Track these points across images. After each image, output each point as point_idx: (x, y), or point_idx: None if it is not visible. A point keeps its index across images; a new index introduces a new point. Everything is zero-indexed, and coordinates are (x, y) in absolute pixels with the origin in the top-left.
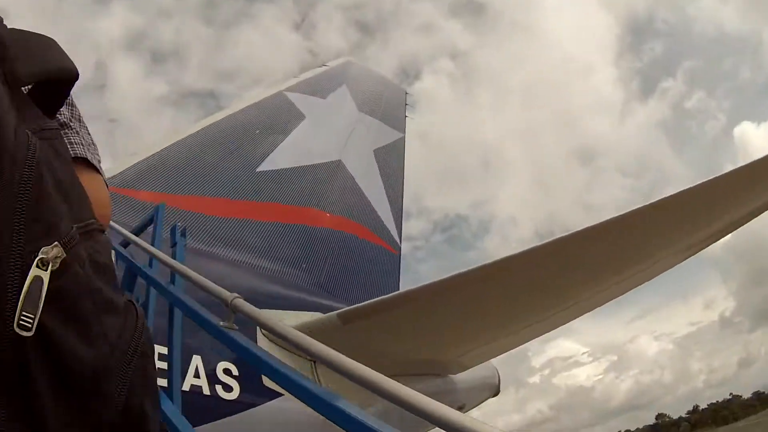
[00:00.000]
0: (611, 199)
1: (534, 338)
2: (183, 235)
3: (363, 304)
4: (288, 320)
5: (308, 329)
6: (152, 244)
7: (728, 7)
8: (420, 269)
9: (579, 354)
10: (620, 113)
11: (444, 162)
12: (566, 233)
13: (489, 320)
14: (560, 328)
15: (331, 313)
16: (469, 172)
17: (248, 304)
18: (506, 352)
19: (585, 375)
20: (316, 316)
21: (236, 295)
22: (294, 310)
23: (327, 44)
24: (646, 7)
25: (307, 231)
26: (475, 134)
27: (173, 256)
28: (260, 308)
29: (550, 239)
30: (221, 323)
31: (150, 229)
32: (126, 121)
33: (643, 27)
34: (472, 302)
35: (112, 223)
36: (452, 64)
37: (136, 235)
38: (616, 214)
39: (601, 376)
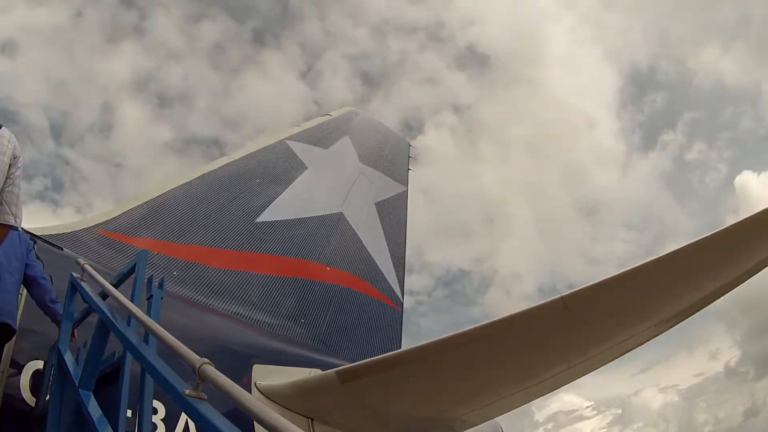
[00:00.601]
0: (615, 252)
1: (539, 397)
2: (160, 287)
3: (363, 362)
4: (285, 377)
5: (306, 388)
6: (132, 295)
7: (727, 60)
8: (422, 323)
9: (583, 408)
10: (623, 165)
11: (447, 216)
12: (571, 290)
13: (493, 379)
14: None
15: (330, 371)
16: (471, 226)
17: (217, 372)
18: (511, 410)
19: (589, 429)
20: (315, 372)
21: (205, 360)
22: (292, 366)
23: (332, 94)
24: (647, 60)
25: (306, 284)
26: (478, 188)
27: (148, 310)
28: (258, 363)
29: (554, 297)
30: (186, 391)
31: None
32: (131, 166)
33: (644, 79)
34: (475, 360)
35: (91, 271)
36: (456, 117)
37: (119, 283)
38: (620, 269)
39: (605, 430)
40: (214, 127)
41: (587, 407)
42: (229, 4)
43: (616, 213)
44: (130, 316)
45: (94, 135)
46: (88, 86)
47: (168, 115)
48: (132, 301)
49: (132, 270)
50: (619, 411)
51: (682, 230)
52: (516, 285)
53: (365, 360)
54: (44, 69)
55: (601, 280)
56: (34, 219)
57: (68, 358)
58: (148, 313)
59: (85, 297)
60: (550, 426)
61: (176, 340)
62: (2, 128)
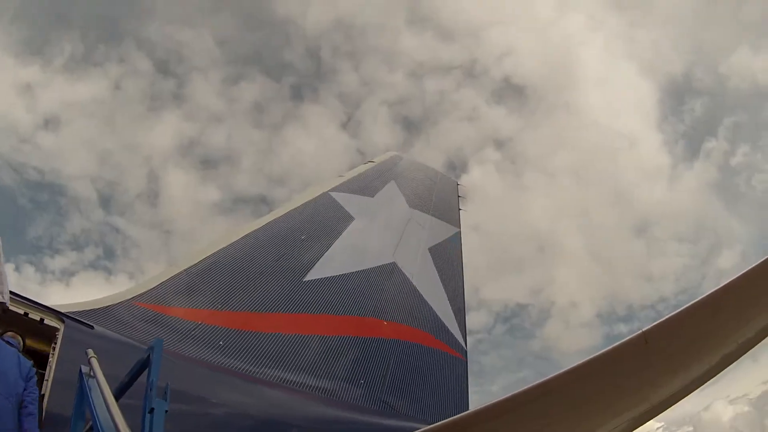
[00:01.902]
0: (671, 266)
1: None
2: (165, 397)
3: (430, 427)
4: None
5: None
6: (144, 399)
7: (759, 59)
8: (484, 361)
9: (654, 429)
10: (669, 178)
11: (498, 251)
12: (652, 324)
13: (574, 427)
14: None
15: None
16: (524, 259)
17: None
18: None
19: None
20: None
21: None
22: None
23: (374, 141)
24: (680, 69)
25: (362, 342)
26: (526, 219)
27: (149, 428)
28: None
29: (634, 333)
30: None
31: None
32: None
33: (680, 89)
34: (550, 413)
35: (97, 371)
36: (499, 151)
37: (132, 381)
38: (677, 283)
39: None
40: (261, 184)
41: (658, 428)
42: (265, 64)
43: (667, 228)
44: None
45: (142, 202)
46: (133, 155)
47: (214, 176)
48: (144, 409)
49: (146, 362)
50: (691, 428)
51: (736, 237)
52: (574, 313)
53: (433, 425)
54: (87, 141)
55: (679, 309)
56: (89, 287)
57: None
58: None
59: (88, 401)
60: None
61: None
62: None
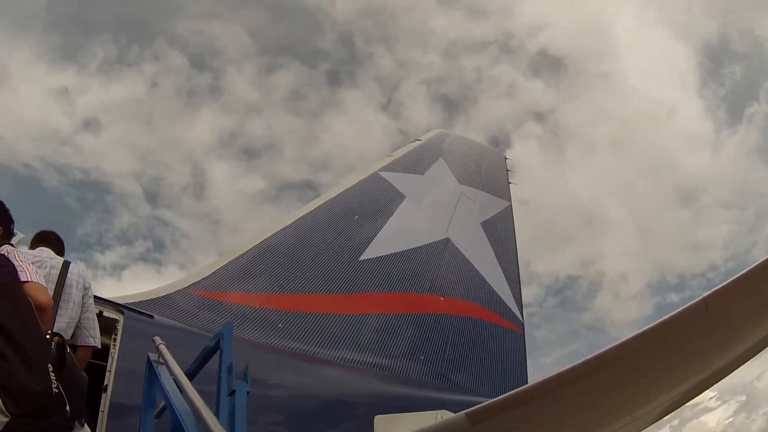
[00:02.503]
0: (718, 234)
1: (678, 408)
2: (245, 378)
3: (494, 400)
4: (410, 426)
5: None
6: (218, 384)
7: None
8: (537, 335)
9: (707, 399)
10: (713, 144)
11: (546, 224)
12: (712, 289)
13: (632, 398)
14: None
15: (459, 414)
16: (572, 231)
17: None
18: (653, 423)
19: (715, 420)
20: (441, 415)
21: None
22: (416, 410)
23: (415, 121)
24: (717, 32)
25: (421, 318)
26: (572, 191)
27: (230, 410)
28: (379, 413)
29: (695, 300)
30: None
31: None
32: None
33: (718, 52)
34: (611, 383)
35: (167, 356)
36: (540, 124)
37: (201, 365)
38: (726, 250)
39: (731, 419)
40: (305, 170)
41: (711, 398)
42: (299, 52)
43: (713, 195)
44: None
45: (188, 194)
46: (175, 149)
47: (257, 166)
48: (218, 393)
49: (216, 346)
50: (744, 398)
51: None
52: (625, 285)
53: (497, 398)
54: (129, 140)
55: (740, 273)
56: (139, 280)
57: None
58: (231, 418)
59: (159, 389)
60: (675, 422)
61: None
62: (71, 264)
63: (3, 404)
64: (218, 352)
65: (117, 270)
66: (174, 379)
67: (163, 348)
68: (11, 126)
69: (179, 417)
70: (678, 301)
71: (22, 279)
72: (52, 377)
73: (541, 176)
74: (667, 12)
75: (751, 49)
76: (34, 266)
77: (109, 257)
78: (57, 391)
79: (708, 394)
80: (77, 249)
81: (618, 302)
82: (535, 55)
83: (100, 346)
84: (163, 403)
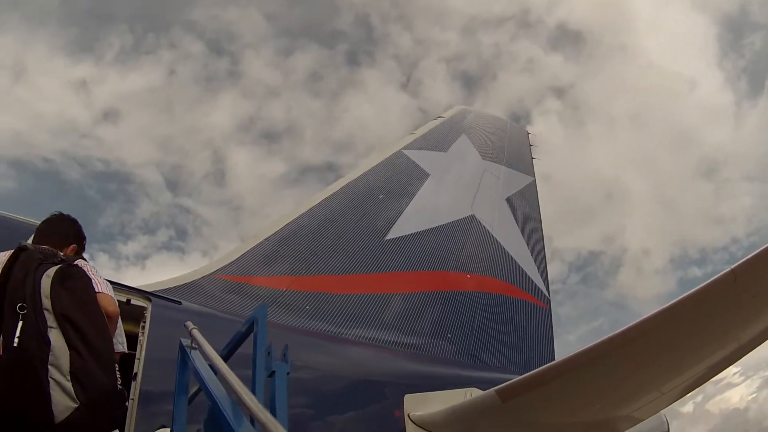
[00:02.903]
0: (741, 207)
1: (710, 378)
2: (285, 359)
3: (523, 377)
4: (439, 404)
5: (465, 413)
6: (254, 368)
7: None
8: (560, 312)
9: (731, 375)
10: (734, 116)
11: (568, 200)
12: (741, 260)
13: (661, 372)
14: None
15: (489, 391)
16: (594, 207)
17: None
18: (680, 398)
19: (738, 396)
20: (471, 393)
21: None
22: (445, 388)
23: (435, 99)
24: (736, 4)
25: (448, 296)
26: (593, 166)
27: (271, 393)
28: (409, 391)
29: (723, 271)
30: None
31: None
32: (250, 204)
33: (738, 23)
34: (640, 358)
35: (200, 340)
36: (561, 99)
37: (235, 348)
38: (750, 224)
39: (755, 395)
40: (326, 152)
41: (735, 374)
42: (317, 33)
43: (734, 168)
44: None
45: (209, 181)
46: (195, 137)
47: (277, 150)
48: (254, 375)
49: (250, 329)
50: (767, 373)
51: None
52: (647, 260)
53: (525, 375)
54: (148, 129)
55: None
56: (161, 269)
57: None
58: (272, 399)
59: (194, 373)
60: (699, 398)
61: None
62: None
63: (74, 392)
64: (252, 335)
65: (140, 259)
66: (209, 364)
67: (196, 332)
68: (30, 120)
69: (217, 401)
70: (701, 276)
71: (96, 290)
72: (117, 375)
73: (562, 152)
74: None
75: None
76: (103, 279)
77: (132, 247)
78: (120, 387)
79: (731, 369)
80: (100, 240)
81: (641, 277)
82: (553, 30)
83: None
84: (194, 389)
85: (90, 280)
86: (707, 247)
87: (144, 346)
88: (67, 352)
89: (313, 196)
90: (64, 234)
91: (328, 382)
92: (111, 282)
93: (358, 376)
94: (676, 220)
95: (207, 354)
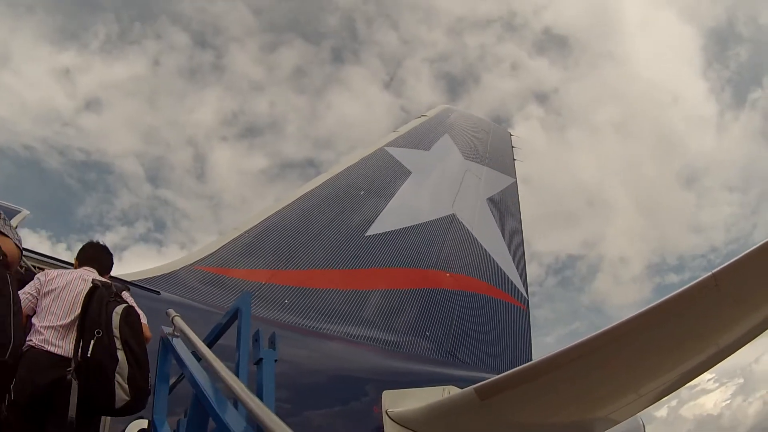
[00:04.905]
0: (720, 216)
1: (684, 385)
2: (272, 345)
3: (503, 375)
4: (418, 401)
5: (443, 410)
6: (237, 355)
7: None
8: (537, 315)
9: (704, 381)
10: (716, 127)
11: (548, 204)
12: (722, 265)
13: (639, 374)
14: None
15: (468, 388)
16: (574, 212)
17: None
18: (657, 402)
19: (713, 402)
20: (449, 390)
21: None
22: (422, 386)
23: (418, 99)
24: (723, 14)
25: (427, 294)
26: (575, 172)
27: (258, 380)
28: (387, 388)
29: (704, 275)
30: None
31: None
32: (230, 197)
33: (724, 34)
34: (619, 359)
35: (182, 327)
36: (545, 103)
37: (219, 336)
38: (728, 233)
39: (728, 402)
40: (307, 148)
41: (709, 380)
42: (303, 29)
43: (716, 177)
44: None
45: (190, 173)
46: (177, 129)
47: (259, 144)
48: (238, 363)
49: (234, 317)
50: (741, 380)
51: None
52: (625, 266)
53: (505, 373)
54: (130, 119)
55: (750, 249)
56: (139, 261)
57: None
58: (259, 387)
59: (177, 360)
60: (674, 403)
61: None
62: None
63: (128, 390)
64: (236, 324)
65: (118, 251)
66: (193, 351)
67: (178, 320)
68: (13, 107)
69: (201, 387)
70: (678, 282)
71: (141, 320)
72: (150, 380)
73: (544, 155)
74: None
75: (756, 36)
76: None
77: (109, 238)
78: (151, 388)
79: (706, 376)
80: (78, 231)
81: (618, 284)
82: (539, 34)
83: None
84: (174, 379)
85: (139, 315)
86: (685, 254)
87: None
88: (126, 366)
89: (294, 190)
90: (108, 266)
91: (307, 376)
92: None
93: (336, 372)
94: (656, 227)
95: (191, 340)
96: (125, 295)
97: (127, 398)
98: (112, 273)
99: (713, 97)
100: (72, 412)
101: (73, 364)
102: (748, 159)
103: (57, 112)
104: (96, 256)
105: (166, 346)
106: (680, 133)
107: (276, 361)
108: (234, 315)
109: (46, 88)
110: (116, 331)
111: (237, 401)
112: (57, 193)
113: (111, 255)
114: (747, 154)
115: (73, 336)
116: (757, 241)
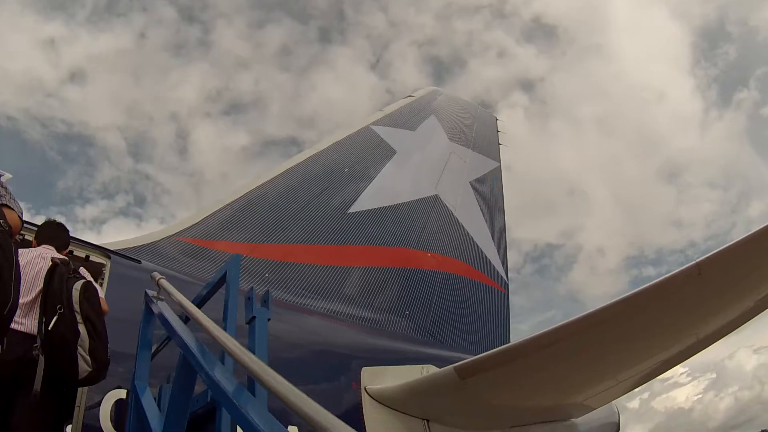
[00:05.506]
0: (700, 212)
1: (660, 374)
2: (265, 304)
3: (483, 355)
4: (397, 378)
5: (422, 388)
6: (224, 314)
7: None
8: (514, 302)
9: (677, 375)
10: (701, 124)
11: (529, 192)
12: (707, 254)
13: (617, 360)
14: None
15: (448, 367)
16: (554, 202)
17: None
18: (632, 390)
19: (684, 396)
20: (428, 369)
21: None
22: (401, 363)
23: (403, 82)
24: (713, 12)
25: (407, 273)
26: (558, 162)
27: (250, 337)
28: (366, 365)
29: (688, 264)
30: None
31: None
32: (212, 173)
33: (714, 32)
34: (599, 344)
35: (168, 288)
36: (530, 92)
37: (207, 297)
38: (708, 229)
39: (700, 396)
40: (291, 127)
41: (682, 374)
42: (292, 7)
43: (698, 174)
44: (223, 351)
45: (172, 148)
46: (160, 104)
47: (243, 121)
48: (225, 322)
49: (222, 280)
50: (714, 375)
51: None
52: (602, 258)
53: (485, 353)
54: (114, 92)
55: (735, 240)
56: (118, 234)
57: (147, 399)
58: (251, 342)
59: (162, 322)
60: (645, 395)
61: (299, 393)
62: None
63: (90, 362)
64: (224, 286)
65: (97, 224)
66: (181, 311)
67: (164, 282)
68: None
69: (189, 348)
70: (655, 275)
71: (99, 293)
72: (109, 350)
73: (527, 143)
74: None
75: (744, 37)
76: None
77: (89, 211)
78: (110, 359)
79: (679, 369)
80: (58, 203)
81: (596, 274)
82: (529, 22)
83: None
84: (156, 346)
85: (97, 290)
86: (664, 248)
87: None
88: (87, 339)
89: (280, 164)
90: (65, 243)
91: (287, 351)
92: (72, 238)
93: (316, 347)
94: (635, 221)
95: (178, 300)
96: (82, 270)
97: (90, 369)
98: (95, 241)
99: (699, 94)
100: (37, 386)
101: (38, 340)
102: (731, 157)
103: (40, 82)
104: (54, 234)
105: (150, 310)
106: (665, 128)
107: (269, 320)
108: (222, 279)
109: (31, 58)
110: (77, 306)
111: (225, 357)
112: (38, 165)
113: (68, 232)
114: (729, 153)
115: (35, 313)
116: (737, 238)
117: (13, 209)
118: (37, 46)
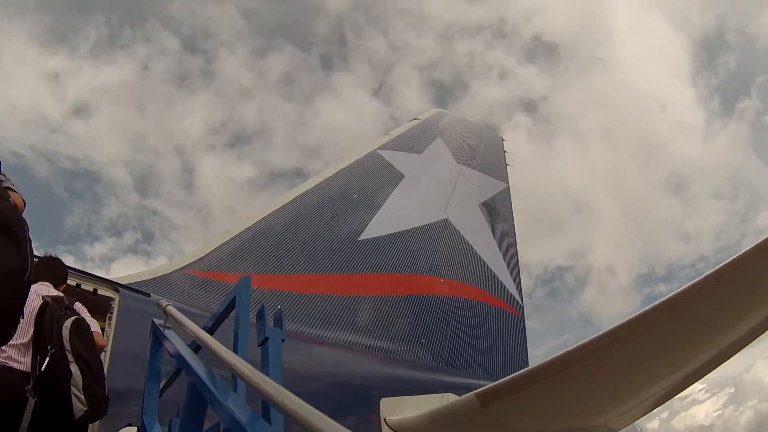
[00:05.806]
0: (708, 224)
1: (683, 390)
2: (279, 324)
3: (504, 380)
4: (417, 408)
5: (443, 417)
6: (235, 340)
7: None
8: (527, 326)
9: (696, 391)
10: (704, 135)
11: (537, 213)
12: (724, 262)
13: (640, 378)
14: None
15: (469, 394)
16: (562, 222)
17: None
18: (655, 408)
19: (704, 413)
20: (448, 398)
21: None
22: (420, 393)
23: (406, 106)
24: (713, 22)
25: (421, 301)
26: (564, 180)
27: (263, 361)
28: (385, 396)
29: (707, 273)
30: None
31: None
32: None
33: (714, 42)
34: (621, 362)
35: (176, 314)
36: (534, 111)
37: (217, 324)
38: (717, 241)
39: (720, 412)
40: (295, 157)
41: (700, 390)
42: (293, 35)
43: (703, 185)
44: (235, 377)
45: (178, 183)
46: (165, 137)
47: (247, 153)
48: (235, 348)
49: (232, 304)
50: (732, 390)
51: None
52: (613, 277)
53: (506, 378)
54: (119, 126)
55: (753, 245)
56: (127, 272)
57: None
58: (265, 366)
59: (170, 350)
60: (665, 415)
61: (322, 416)
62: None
63: (85, 401)
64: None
65: (105, 262)
66: (190, 340)
67: (171, 309)
68: (1, 112)
69: (200, 378)
70: (666, 292)
71: (92, 328)
72: (107, 388)
73: (532, 163)
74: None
75: (743, 45)
76: (90, 317)
77: (97, 249)
78: (108, 396)
79: (697, 386)
80: (66, 241)
81: (607, 295)
82: (529, 41)
83: None
84: (165, 380)
85: (89, 326)
86: (674, 263)
87: (111, 338)
88: (81, 378)
89: (287, 193)
90: (62, 278)
91: (302, 384)
92: (79, 271)
93: (332, 379)
94: (644, 236)
95: (185, 325)
96: (77, 306)
97: (85, 408)
98: (104, 276)
99: (702, 105)
100: (24, 427)
101: (31, 382)
102: (736, 166)
103: (45, 117)
104: (50, 269)
105: (157, 340)
106: (668, 140)
107: (283, 341)
108: (231, 303)
109: (35, 92)
110: (67, 345)
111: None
112: (45, 201)
113: (65, 267)
114: (735, 162)
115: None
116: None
117: (17, 192)
118: (42, 80)
